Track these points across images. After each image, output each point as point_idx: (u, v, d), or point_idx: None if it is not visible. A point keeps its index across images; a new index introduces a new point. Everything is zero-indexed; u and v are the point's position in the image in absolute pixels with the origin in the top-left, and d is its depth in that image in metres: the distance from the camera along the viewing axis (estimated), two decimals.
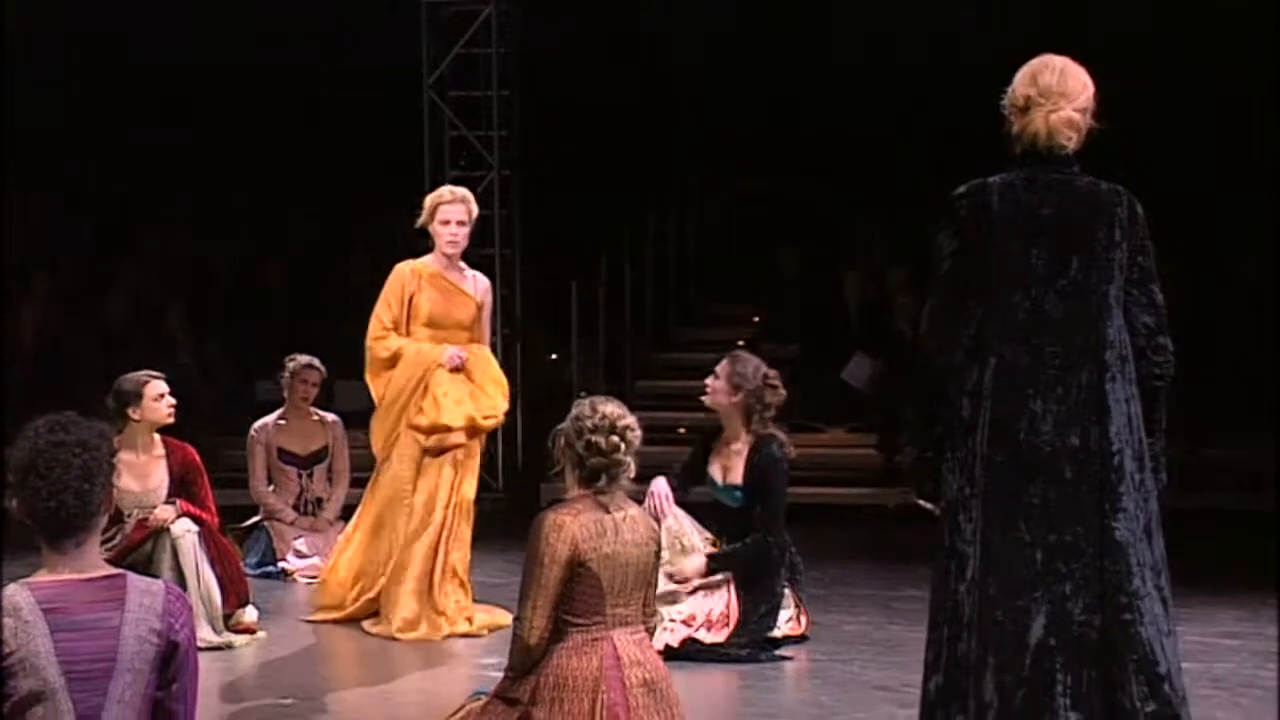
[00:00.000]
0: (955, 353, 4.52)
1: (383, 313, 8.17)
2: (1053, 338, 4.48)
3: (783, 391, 7.72)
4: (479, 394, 8.13)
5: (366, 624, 8.15)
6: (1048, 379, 4.46)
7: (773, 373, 7.73)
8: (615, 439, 5.11)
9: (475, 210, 8.20)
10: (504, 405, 8.23)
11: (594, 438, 5.11)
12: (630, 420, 5.17)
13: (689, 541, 7.59)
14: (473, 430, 8.14)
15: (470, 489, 8.23)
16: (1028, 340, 4.48)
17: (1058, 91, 4.60)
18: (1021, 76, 4.67)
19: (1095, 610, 4.39)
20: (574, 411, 5.21)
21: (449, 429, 8.04)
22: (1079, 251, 4.52)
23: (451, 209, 8.13)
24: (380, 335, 8.14)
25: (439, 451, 8.07)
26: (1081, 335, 4.49)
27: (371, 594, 8.21)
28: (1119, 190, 4.59)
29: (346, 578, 8.34)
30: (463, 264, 8.31)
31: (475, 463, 8.25)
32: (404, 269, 8.21)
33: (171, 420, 8.01)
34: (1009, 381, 4.46)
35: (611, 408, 5.19)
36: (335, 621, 8.24)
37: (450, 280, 8.22)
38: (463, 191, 8.24)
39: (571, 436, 5.16)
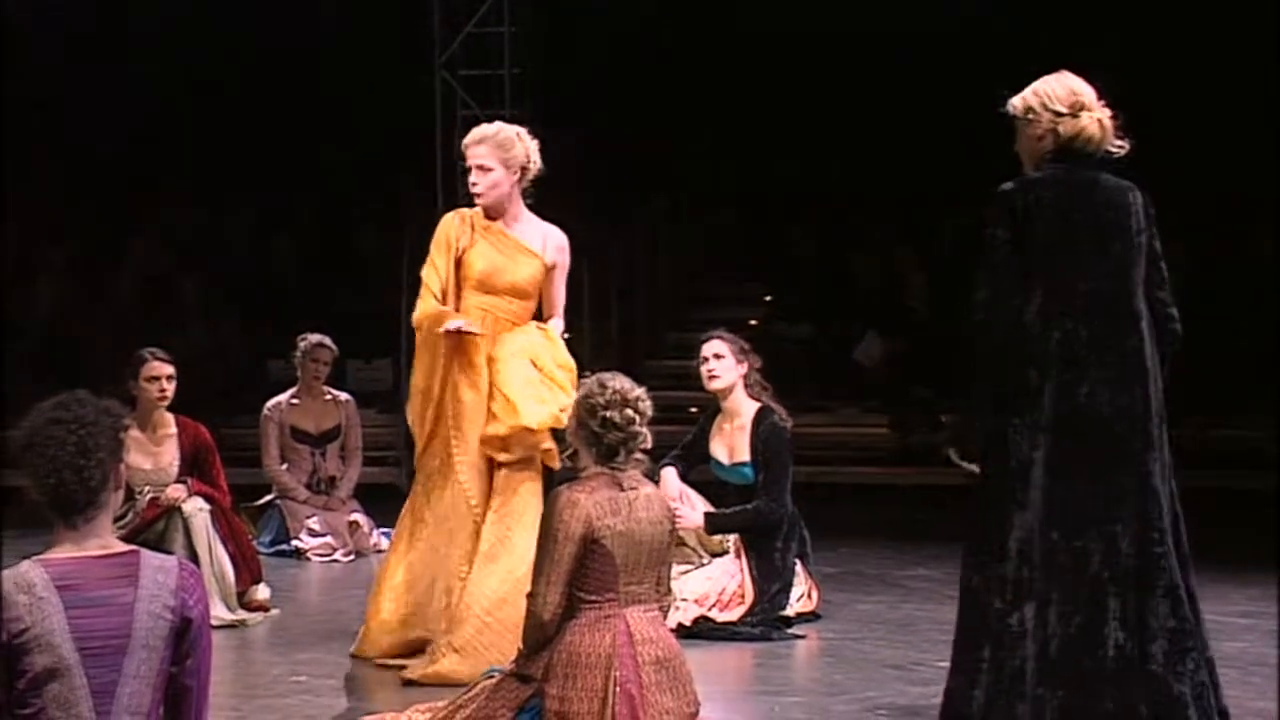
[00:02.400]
0: (1014, 328, 5.08)
1: (428, 277, 6.78)
2: (1102, 313, 5.12)
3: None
4: (546, 388, 6.64)
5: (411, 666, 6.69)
6: (1100, 350, 5.11)
7: None
8: (630, 412, 5.11)
9: (513, 152, 6.71)
10: (574, 393, 6.16)
11: (608, 413, 5.11)
12: (640, 392, 5.18)
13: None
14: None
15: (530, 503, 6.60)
16: (1083, 316, 5.10)
17: (1095, 100, 5.20)
18: (1058, 85, 5.22)
19: (1136, 544, 5.07)
20: (581, 391, 5.21)
21: (532, 432, 6.57)
22: (1117, 237, 5.16)
23: (472, 152, 6.74)
24: (421, 299, 6.79)
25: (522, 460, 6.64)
26: (1123, 310, 5.14)
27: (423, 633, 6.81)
28: (1130, 184, 5.21)
29: (392, 620, 6.92)
30: (531, 216, 6.87)
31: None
32: (452, 217, 6.85)
33: (163, 403, 7.98)
34: (1070, 353, 5.09)
35: (620, 382, 5.19)
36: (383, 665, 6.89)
37: (509, 234, 6.80)
38: (483, 130, 6.79)
39: (584, 416, 5.15)
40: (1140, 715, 5.01)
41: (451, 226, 6.79)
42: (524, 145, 6.75)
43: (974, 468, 5.19)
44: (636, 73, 14.74)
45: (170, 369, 8.03)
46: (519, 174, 6.75)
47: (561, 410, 6.40)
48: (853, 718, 6.12)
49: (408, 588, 6.87)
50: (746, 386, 7.73)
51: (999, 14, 13.43)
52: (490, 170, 6.70)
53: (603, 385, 5.17)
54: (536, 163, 6.80)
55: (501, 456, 6.62)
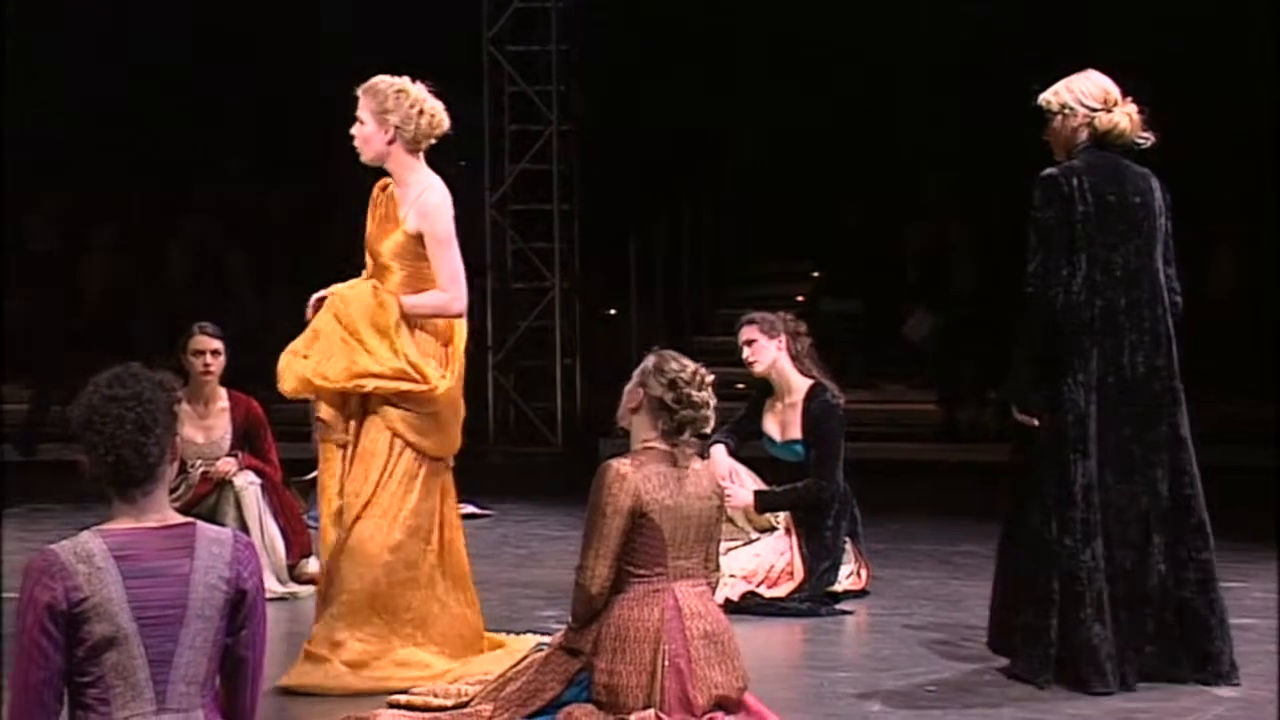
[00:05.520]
0: (1063, 297, 5.75)
1: None
2: (1136, 285, 5.84)
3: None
4: (346, 346, 6.08)
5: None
6: (1136, 317, 5.84)
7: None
8: (704, 394, 5.15)
9: (386, 106, 6.15)
10: (394, 362, 6.02)
11: (688, 390, 5.12)
12: (713, 378, 5.23)
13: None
14: (328, 397, 6.12)
15: (330, 489, 6.16)
16: (1120, 287, 5.81)
17: (1123, 96, 5.86)
18: (1090, 83, 5.87)
19: (1171, 488, 5.87)
20: (655, 363, 5.18)
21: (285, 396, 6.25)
22: (1146, 218, 5.86)
23: (359, 103, 6.27)
24: None
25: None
26: (1150, 282, 5.87)
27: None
28: (1150, 172, 5.90)
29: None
30: (424, 180, 6.22)
31: (367, 455, 6.10)
32: (379, 184, 6.39)
33: (208, 379, 7.98)
34: (1111, 321, 5.81)
35: (691, 362, 5.22)
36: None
37: (393, 197, 6.27)
38: (368, 82, 6.27)
39: (660, 388, 5.13)
40: (1175, 635, 5.84)
41: (373, 195, 6.36)
42: (404, 102, 6.16)
43: (1034, 421, 5.83)
44: (684, 47, 14.72)
45: (216, 344, 8.02)
46: (392, 132, 6.15)
47: (357, 376, 6.00)
48: (901, 692, 6.12)
49: None
50: (795, 360, 7.68)
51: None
52: (364, 124, 6.20)
53: (681, 363, 5.19)
54: (425, 124, 6.19)
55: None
